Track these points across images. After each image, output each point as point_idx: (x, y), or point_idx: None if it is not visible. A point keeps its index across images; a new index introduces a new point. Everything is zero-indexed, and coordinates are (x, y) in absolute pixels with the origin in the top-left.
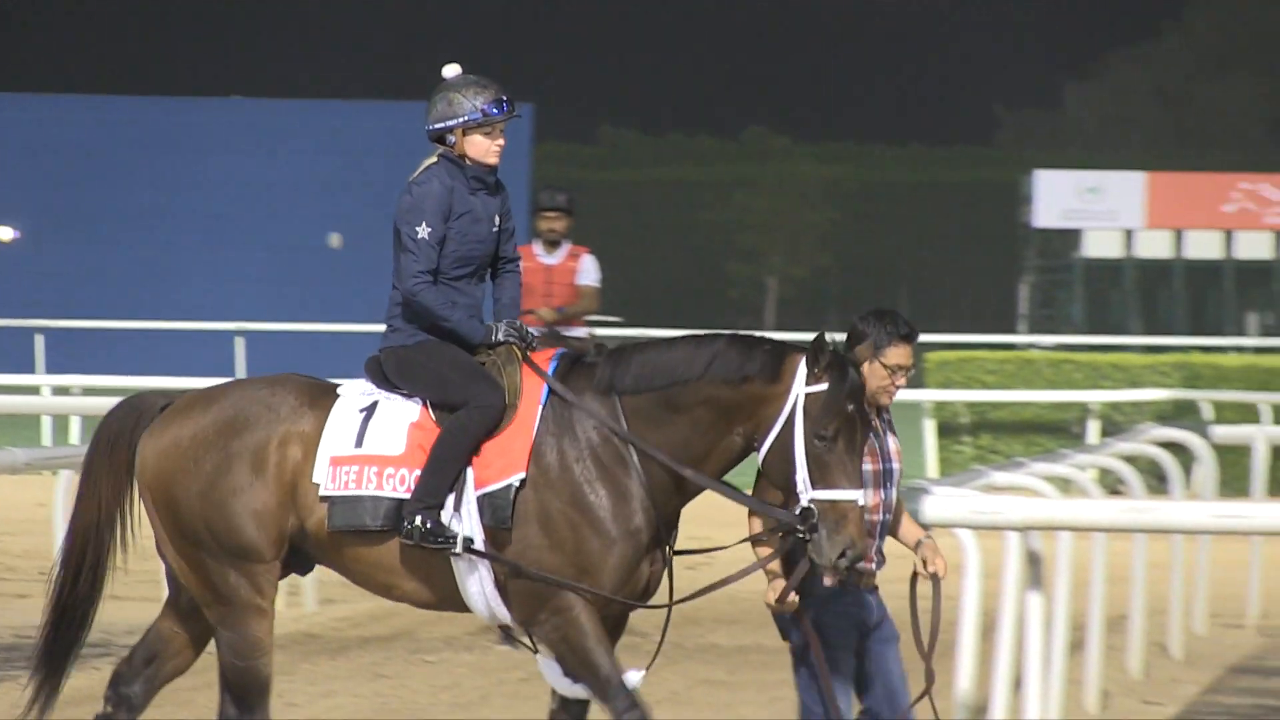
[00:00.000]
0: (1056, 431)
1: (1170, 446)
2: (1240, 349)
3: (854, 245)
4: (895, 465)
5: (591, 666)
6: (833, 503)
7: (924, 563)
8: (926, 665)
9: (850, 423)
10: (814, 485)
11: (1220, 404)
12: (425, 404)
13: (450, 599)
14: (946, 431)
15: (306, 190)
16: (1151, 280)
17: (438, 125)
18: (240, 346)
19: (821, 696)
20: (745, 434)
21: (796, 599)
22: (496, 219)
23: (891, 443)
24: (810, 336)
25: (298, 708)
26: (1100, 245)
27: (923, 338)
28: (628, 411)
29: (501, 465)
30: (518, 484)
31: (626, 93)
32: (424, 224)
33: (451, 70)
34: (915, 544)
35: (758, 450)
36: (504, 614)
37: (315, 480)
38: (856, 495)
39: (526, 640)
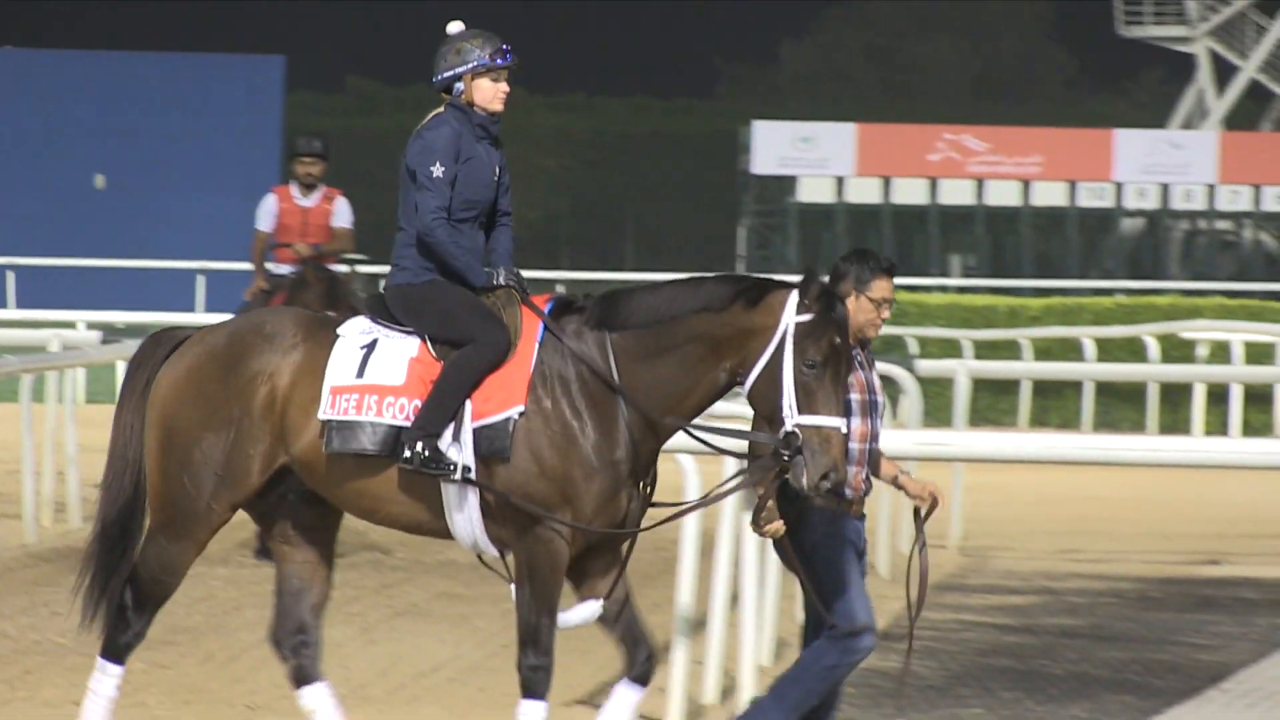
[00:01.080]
0: None
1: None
2: (944, 289)
3: (584, 191)
4: (879, 398)
5: (541, 602)
6: (816, 428)
7: (918, 497)
8: (910, 625)
9: (837, 354)
10: (799, 411)
11: (925, 339)
12: (425, 341)
13: (436, 525)
14: None
15: (73, 135)
16: (861, 224)
17: (446, 75)
18: (11, 280)
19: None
20: (731, 368)
21: (780, 525)
22: (496, 170)
23: (875, 376)
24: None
25: (61, 616)
26: (813, 191)
27: (646, 276)
28: (617, 350)
29: (501, 399)
30: (516, 416)
31: (372, 46)
32: (438, 163)
33: (456, 26)
34: (892, 478)
35: (742, 383)
36: (486, 544)
37: (317, 412)
38: (840, 423)
39: (503, 570)
